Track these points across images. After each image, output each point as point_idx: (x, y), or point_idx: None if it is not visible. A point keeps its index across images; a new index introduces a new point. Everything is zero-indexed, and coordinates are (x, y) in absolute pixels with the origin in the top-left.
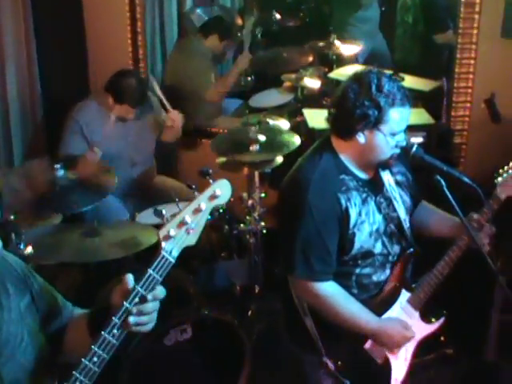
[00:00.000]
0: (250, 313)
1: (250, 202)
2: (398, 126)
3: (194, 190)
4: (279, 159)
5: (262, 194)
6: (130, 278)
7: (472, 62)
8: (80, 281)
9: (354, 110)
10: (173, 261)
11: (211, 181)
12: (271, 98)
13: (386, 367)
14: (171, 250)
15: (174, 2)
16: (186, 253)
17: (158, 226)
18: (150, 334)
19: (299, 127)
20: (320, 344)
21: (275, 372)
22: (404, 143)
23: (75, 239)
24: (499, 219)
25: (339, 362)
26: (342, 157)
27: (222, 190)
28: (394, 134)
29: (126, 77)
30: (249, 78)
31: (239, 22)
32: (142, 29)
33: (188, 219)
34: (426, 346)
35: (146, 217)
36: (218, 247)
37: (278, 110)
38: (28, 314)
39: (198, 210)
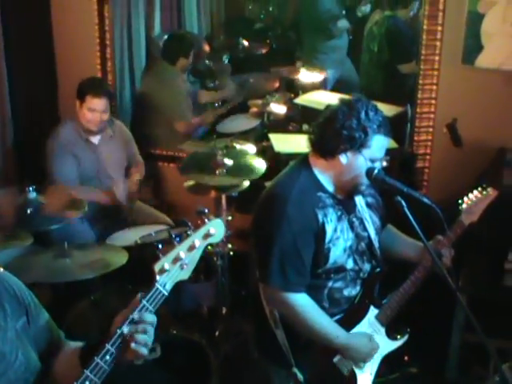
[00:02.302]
0: (217, 334)
1: None
2: (378, 152)
3: (188, 226)
4: (246, 183)
5: (229, 217)
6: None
7: (434, 87)
8: (50, 301)
9: (341, 130)
10: (166, 294)
11: (206, 220)
12: (238, 123)
13: (352, 380)
14: (165, 284)
15: (143, 27)
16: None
17: (128, 248)
18: None
19: (265, 151)
20: (290, 356)
21: None
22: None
23: (46, 260)
24: (461, 243)
25: (308, 374)
26: (320, 176)
27: (216, 228)
28: (373, 161)
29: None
30: (216, 104)
31: (206, 48)
32: (112, 55)
33: (182, 255)
34: (390, 366)
35: (117, 239)
36: None
37: (245, 135)
38: (24, 335)
39: (192, 247)
